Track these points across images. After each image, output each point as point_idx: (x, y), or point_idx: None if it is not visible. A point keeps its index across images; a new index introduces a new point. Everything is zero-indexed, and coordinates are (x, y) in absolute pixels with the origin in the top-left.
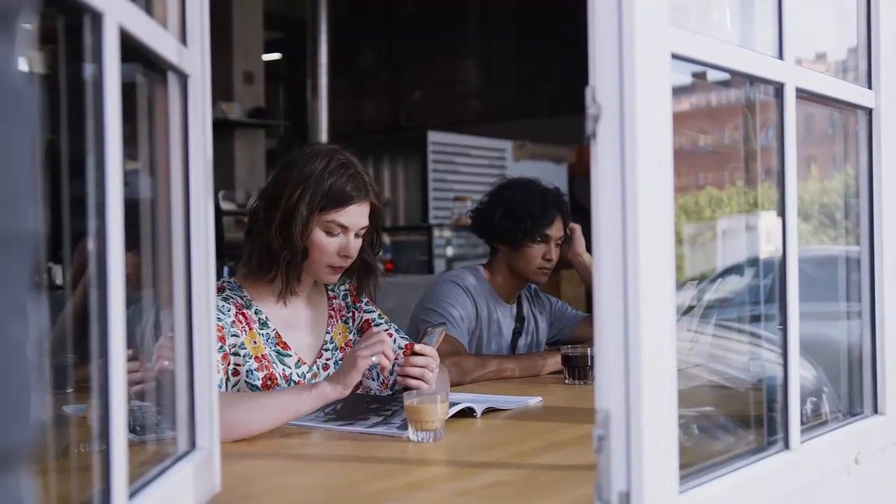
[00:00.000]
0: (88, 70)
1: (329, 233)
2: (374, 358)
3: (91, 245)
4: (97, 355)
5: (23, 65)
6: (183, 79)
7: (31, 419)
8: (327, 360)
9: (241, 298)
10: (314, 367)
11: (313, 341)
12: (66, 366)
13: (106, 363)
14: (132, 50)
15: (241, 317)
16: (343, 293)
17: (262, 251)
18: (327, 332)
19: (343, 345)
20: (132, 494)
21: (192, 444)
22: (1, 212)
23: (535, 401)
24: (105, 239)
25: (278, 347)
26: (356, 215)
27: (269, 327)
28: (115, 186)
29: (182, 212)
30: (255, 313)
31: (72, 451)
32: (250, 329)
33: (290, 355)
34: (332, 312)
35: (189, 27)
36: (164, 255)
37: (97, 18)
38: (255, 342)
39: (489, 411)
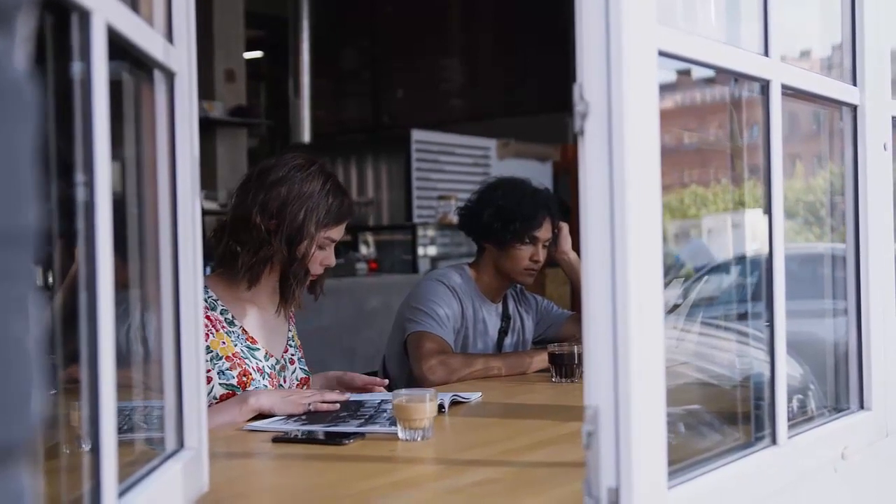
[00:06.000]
0: (76, 68)
1: (320, 247)
2: (310, 406)
3: (78, 245)
4: (86, 355)
5: (22, 62)
6: (169, 77)
7: (33, 415)
8: (291, 355)
9: (206, 300)
10: (282, 360)
11: (278, 338)
12: (51, 366)
13: (95, 363)
14: (118, 48)
15: (206, 320)
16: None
17: (262, 264)
18: (289, 331)
19: (298, 345)
20: (121, 493)
21: (181, 444)
22: (3, 208)
23: (475, 396)
24: (94, 239)
25: (248, 343)
26: (343, 230)
27: (235, 325)
28: (104, 186)
29: (169, 211)
30: (221, 313)
31: (60, 451)
32: (217, 330)
33: (259, 349)
34: (291, 314)
35: (175, 25)
36: (151, 255)
37: (85, 16)
38: (223, 342)
39: (454, 404)
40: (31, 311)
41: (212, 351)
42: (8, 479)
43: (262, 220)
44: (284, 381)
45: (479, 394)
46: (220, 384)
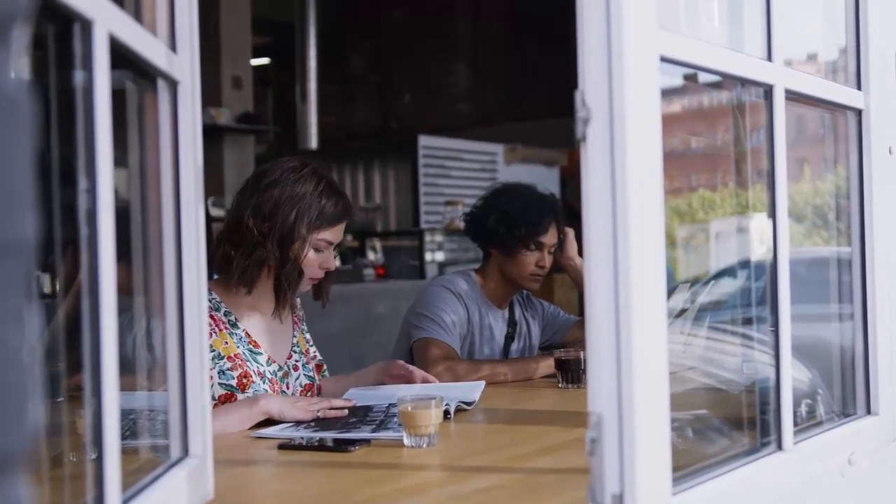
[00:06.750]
0: (78, 77)
1: (317, 249)
2: (319, 413)
3: (82, 253)
4: (90, 363)
5: (19, 73)
6: (173, 85)
7: (29, 425)
8: (296, 361)
9: (210, 301)
10: (285, 367)
11: (282, 344)
12: (57, 374)
13: (98, 371)
14: (121, 57)
15: (209, 319)
16: (299, 305)
17: (256, 266)
18: (294, 336)
19: (304, 350)
20: (125, 501)
21: (185, 452)
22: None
23: (480, 386)
24: (96, 247)
25: (250, 346)
26: (341, 232)
27: (239, 328)
28: (106, 194)
29: (173, 219)
30: (225, 315)
31: (66, 459)
32: (220, 330)
33: (261, 353)
34: (296, 319)
35: (178, 34)
36: (155, 263)
37: (87, 26)
38: (226, 342)
39: (460, 410)
40: (28, 321)
41: (214, 350)
42: (5, 488)
43: (254, 222)
44: (287, 388)
45: (483, 383)
46: (219, 384)
